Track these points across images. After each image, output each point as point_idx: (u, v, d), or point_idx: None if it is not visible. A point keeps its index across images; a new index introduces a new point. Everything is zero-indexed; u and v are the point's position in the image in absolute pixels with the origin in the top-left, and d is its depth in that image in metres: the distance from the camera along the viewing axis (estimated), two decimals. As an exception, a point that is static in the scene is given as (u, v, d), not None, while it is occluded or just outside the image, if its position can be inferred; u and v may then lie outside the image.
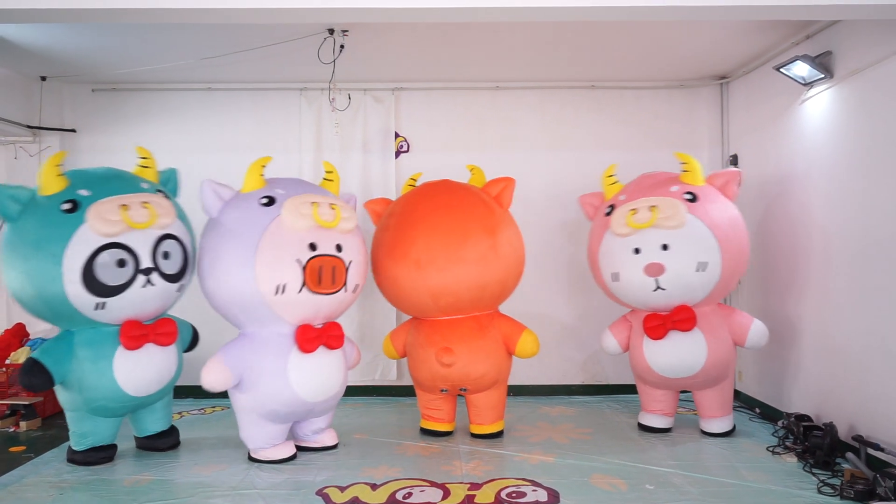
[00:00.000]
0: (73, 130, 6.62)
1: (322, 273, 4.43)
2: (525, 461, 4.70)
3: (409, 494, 4.09)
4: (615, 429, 5.50)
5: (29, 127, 6.38)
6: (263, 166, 4.74)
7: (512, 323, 5.20)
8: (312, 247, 4.44)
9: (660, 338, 5.01)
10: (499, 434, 5.26)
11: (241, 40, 5.35)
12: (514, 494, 4.07)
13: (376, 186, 6.55)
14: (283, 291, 4.36)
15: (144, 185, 4.63)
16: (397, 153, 6.66)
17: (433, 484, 4.26)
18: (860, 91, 4.61)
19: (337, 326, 4.71)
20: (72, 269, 4.15)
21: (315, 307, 4.54)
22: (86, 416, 4.57)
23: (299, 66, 5.92)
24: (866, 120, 4.54)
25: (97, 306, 4.27)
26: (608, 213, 5.16)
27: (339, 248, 4.55)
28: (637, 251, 4.91)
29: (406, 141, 6.69)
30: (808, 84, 5.11)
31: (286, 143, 6.61)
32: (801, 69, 5.02)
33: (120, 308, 4.35)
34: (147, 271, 4.37)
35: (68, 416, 4.65)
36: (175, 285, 4.61)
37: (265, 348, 4.53)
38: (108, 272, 4.23)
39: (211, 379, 4.50)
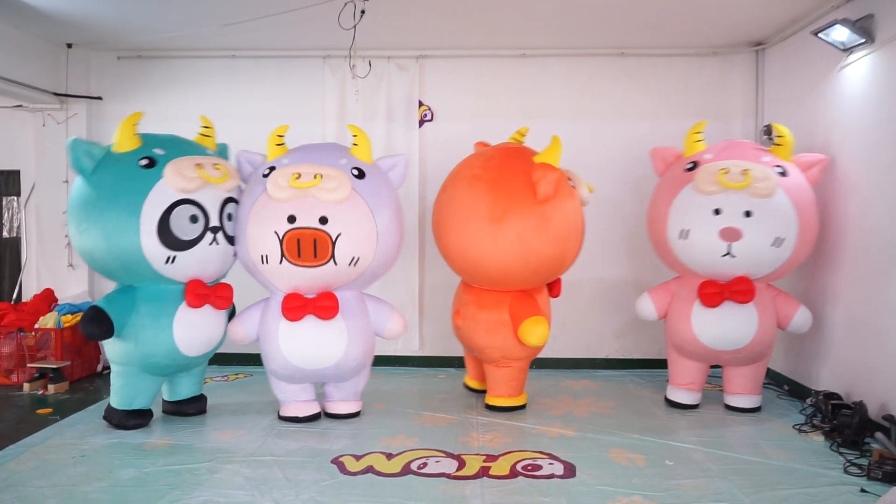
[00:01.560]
0: (100, 98, 6.65)
1: (301, 246, 4.40)
2: (544, 434, 4.65)
3: (424, 465, 4.07)
4: (638, 404, 5.42)
5: (56, 94, 6.43)
6: (280, 136, 4.78)
7: (525, 307, 4.92)
8: (291, 219, 4.41)
9: (715, 306, 4.90)
10: (511, 409, 5.16)
11: (263, 6, 5.28)
12: (529, 467, 4.03)
13: (399, 155, 6.45)
14: (267, 261, 4.50)
15: (209, 152, 4.80)
16: (421, 122, 6.57)
17: (449, 455, 4.23)
18: (903, 56, 4.39)
19: (328, 297, 4.58)
20: (149, 221, 4.29)
21: (304, 278, 4.53)
22: (133, 372, 4.62)
23: (323, 32, 5.84)
24: (908, 87, 4.33)
25: (168, 259, 4.39)
26: (689, 169, 5.00)
27: (322, 220, 4.41)
28: (717, 212, 4.77)
29: (430, 110, 6.59)
30: (848, 50, 4.89)
31: (309, 111, 6.55)
32: (840, 34, 4.80)
33: (187, 264, 4.47)
34: (215, 229, 4.52)
35: (115, 370, 4.69)
36: (233, 248, 4.72)
37: (268, 312, 4.73)
38: (182, 226, 4.38)
39: (230, 334, 4.88)
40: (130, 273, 4.49)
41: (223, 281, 4.88)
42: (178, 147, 4.61)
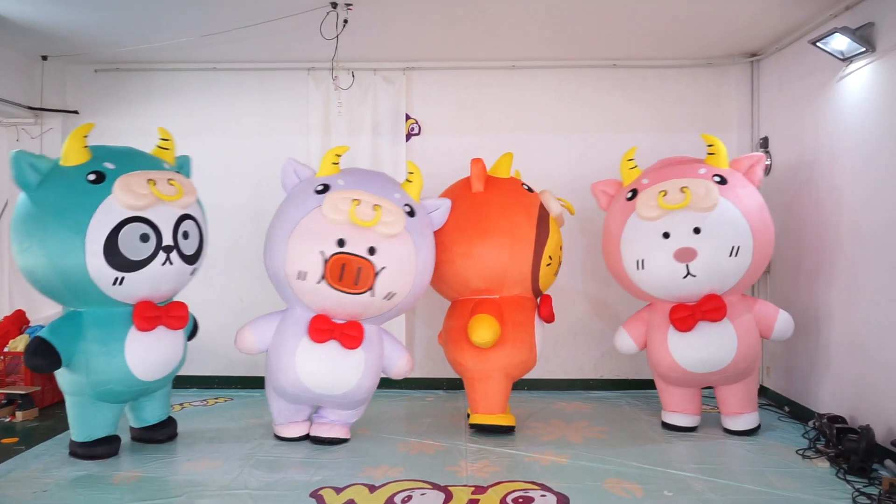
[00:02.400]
0: (76, 112, 6.43)
1: (344, 271, 4.36)
2: (536, 462, 4.42)
3: (409, 498, 3.83)
4: (634, 427, 5.20)
5: (30, 108, 6.21)
6: (338, 155, 4.76)
7: (481, 308, 4.83)
8: (340, 242, 4.38)
9: (688, 329, 4.69)
10: (490, 428, 4.92)
11: (242, 16, 5.10)
12: (520, 500, 3.80)
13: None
14: (304, 278, 4.41)
15: (165, 166, 4.56)
16: (408, 136, 6.38)
17: (435, 486, 4.00)
18: (905, 65, 4.23)
19: (356, 327, 4.54)
20: (94, 241, 4.04)
21: (336, 302, 4.47)
22: (88, 402, 4.39)
23: (306, 44, 5.65)
24: (912, 97, 4.16)
25: (116, 281, 4.15)
26: (630, 198, 4.85)
27: (371, 250, 4.40)
28: (666, 235, 4.62)
29: (417, 123, 6.41)
30: (847, 59, 4.73)
31: (293, 124, 6.37)
32: (839, 42, 4.64)
33: (137, 285, 4.24)
34: (168, 249, 4.29)
35: (69, 402, 4.45)
36: (190, 267, 4.53)
37: (287, 326, 4.61)
38: (131, 246, 4.14)
39: (238, 340, 4.72)
40: (76, 295, 4.24)
41: (176, 299, 4.63)
42: (130, 161, 4.35)
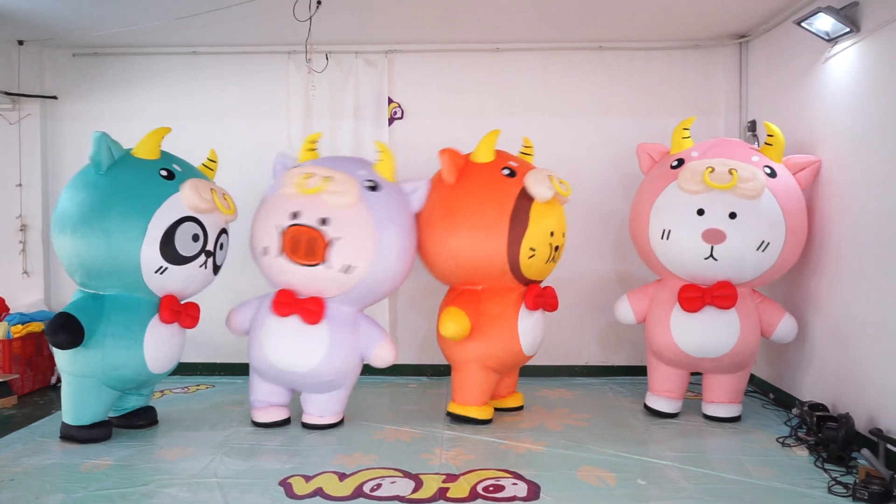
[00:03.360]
0: (55, 97, 6.35)
1: (298, 243, 4.43)
2: (511, 450, 4.37)
3: (378, 486, 3.79)
4: (615, 414, 5.14)
5: (7, 94, 6.13)
6: (314, 142, 4.97)
7: (454, 299, 4.84)
8: (294, 215, 4.46)
9: (695, 311, 4.63)
10: (463, 419, 4.88)
11: (216, -2, 5.01)
12: (491, 488, 3.75)
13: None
14: (266, 253, 4.56)
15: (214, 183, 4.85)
16: (391, 120, 6.28)
17: (406, 475, 3.95)
18: (890, 45, 4.10)
19: (316, 301, 4.52)
20: (157, 227, 4.29)
21: (298, 277, 4.53)
22: (93, 385, 4.40)
23: (286, 27, 5.48)
24: None
25: (159, 269, 4.35)
26: (675, 166, 4.75)
27: (323, 221, 4.42)
28: (701, 212, 4.52)
29: (400, 107, 6.31)
30: (833, 40, 4.62)
31: (274, 109, 6.29)
32: (824, 23, 4.53)
33: (172, 279, 4.45)
34: (209, 253, 4.58)
35: (72, 383, 4.42)
36: (214, 276, 4.81)
37: (263, 306, 4.74)
38: (184, 242, 4.40)
39: (227, 321, 4.92)
40: (113, 276, 4.34)
41: (191, 301, 4.76)
42: (192, 170, 4.71)
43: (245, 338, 4.90)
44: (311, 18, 4.89)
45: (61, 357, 4.43)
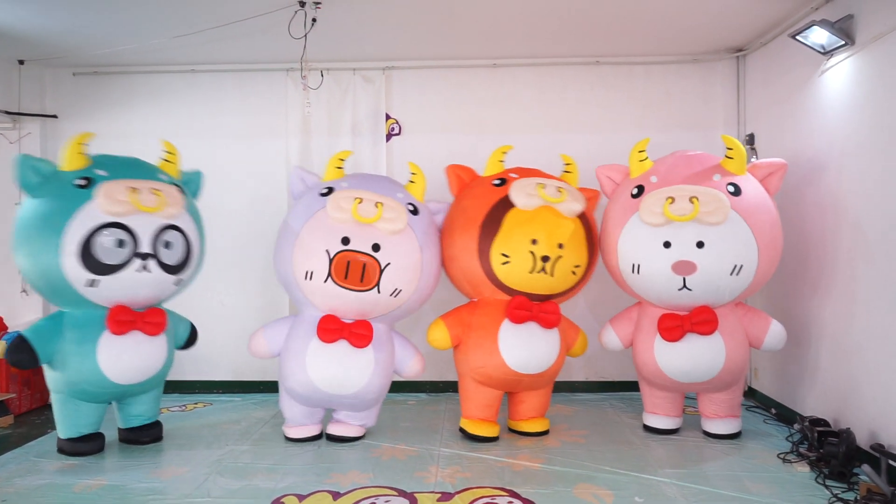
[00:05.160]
0: (55, 116, 6.39)
1: (350, 268, 4.41)
2: (507, 468, 4.32)
3: (372, 505, 3.75)
4: (613, 431, 5.09)
5: (8, 113, 6.17)
6: (342, 160, 4.86)
7: (455, 311, 4.98)
8: (345, 240, 4.43)
9: (676, 340, 4.57)
10: (466, 434, 4.89)
11: (212, 17, 5.03)
12: (485, 507, 3.71)
13: (366, 171, 6.18)
14: (310, 278, 4.48)
15: (162, 177, 4.65)
16: (388, 136, 6.30)
17: (401, 493, 3.90)
18: (885, 57, 4.09)
19: (365, 325, 4.59)
20: (71, 242, 4.18)
21: (344, 301, 4.52)
22: (68, 399, 4.52)
23: (284, 44, 5.49)
24: (892, 90, 4.02)
25: (88, 283, 4.26)
26: (635, 195, 4.62)
27: (375, 247, 4.45)
28: (667, 245, 4.41)
29: (398, 123, 6.33)
30: (828, 53, 4.61)
31: (272, 126, 6.33)
32: (819, 36, 4.53)
33: (112, 289, 4.34)
34: (144, 256, 4.37)
35: (54, 399, 4.60)
36: (172, 277, 4.58)
37: (298, 329, 4.68)
38: (105, 250, 4.25)
39: (250, 346, 4.82)
40: (56, 294, 4.42)
41: (158, 306, 4.70)
42: (124, 169, 4.49)
43: (242, 355, 4.88)
44: (305, 36, 4.91)
45: (45, 374, 4.59)
